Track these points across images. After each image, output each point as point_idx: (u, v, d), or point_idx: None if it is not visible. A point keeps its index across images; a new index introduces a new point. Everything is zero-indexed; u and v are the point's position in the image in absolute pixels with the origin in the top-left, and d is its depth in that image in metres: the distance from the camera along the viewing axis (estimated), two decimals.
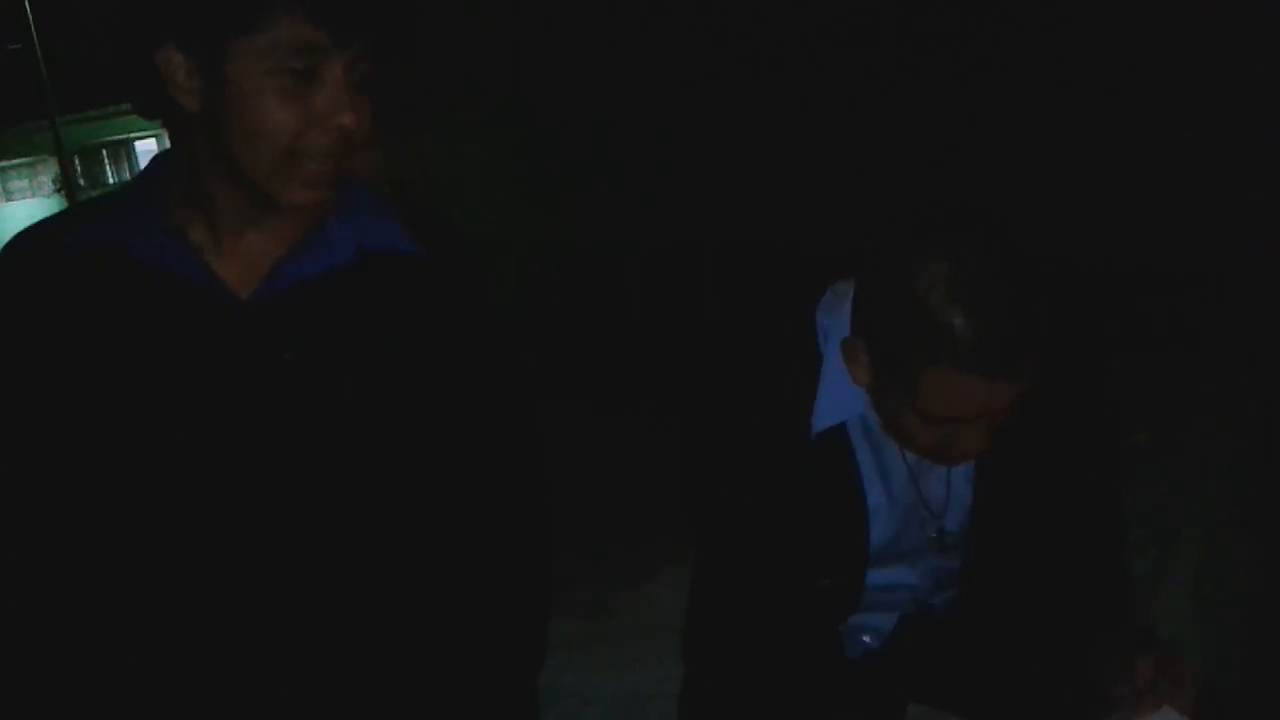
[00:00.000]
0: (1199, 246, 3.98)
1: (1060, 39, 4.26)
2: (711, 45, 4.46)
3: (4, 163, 23.65)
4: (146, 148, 21.19)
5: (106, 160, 23.19)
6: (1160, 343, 3.57)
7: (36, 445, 1.17)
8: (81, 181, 20.42)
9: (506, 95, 5.46)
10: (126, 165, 22.97)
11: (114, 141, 21.58)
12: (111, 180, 23.10)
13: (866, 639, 1.59)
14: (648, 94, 4.28)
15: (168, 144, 1.21)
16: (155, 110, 1.14)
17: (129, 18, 1.11)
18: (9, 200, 24.58)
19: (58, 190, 21.04)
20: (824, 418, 1.41)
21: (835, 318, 1.41)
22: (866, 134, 4.16)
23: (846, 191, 4.03)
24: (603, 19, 4.65)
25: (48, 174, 22.41)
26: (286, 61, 1.08)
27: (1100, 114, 4.16)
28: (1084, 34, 4.21)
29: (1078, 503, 1.53)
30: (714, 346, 1.53)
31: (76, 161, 20.71)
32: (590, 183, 3.92)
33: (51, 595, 1.20)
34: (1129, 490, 1.65)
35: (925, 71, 4.18)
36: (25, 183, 24.20)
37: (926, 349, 1.23)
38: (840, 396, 1.40)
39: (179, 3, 1.08)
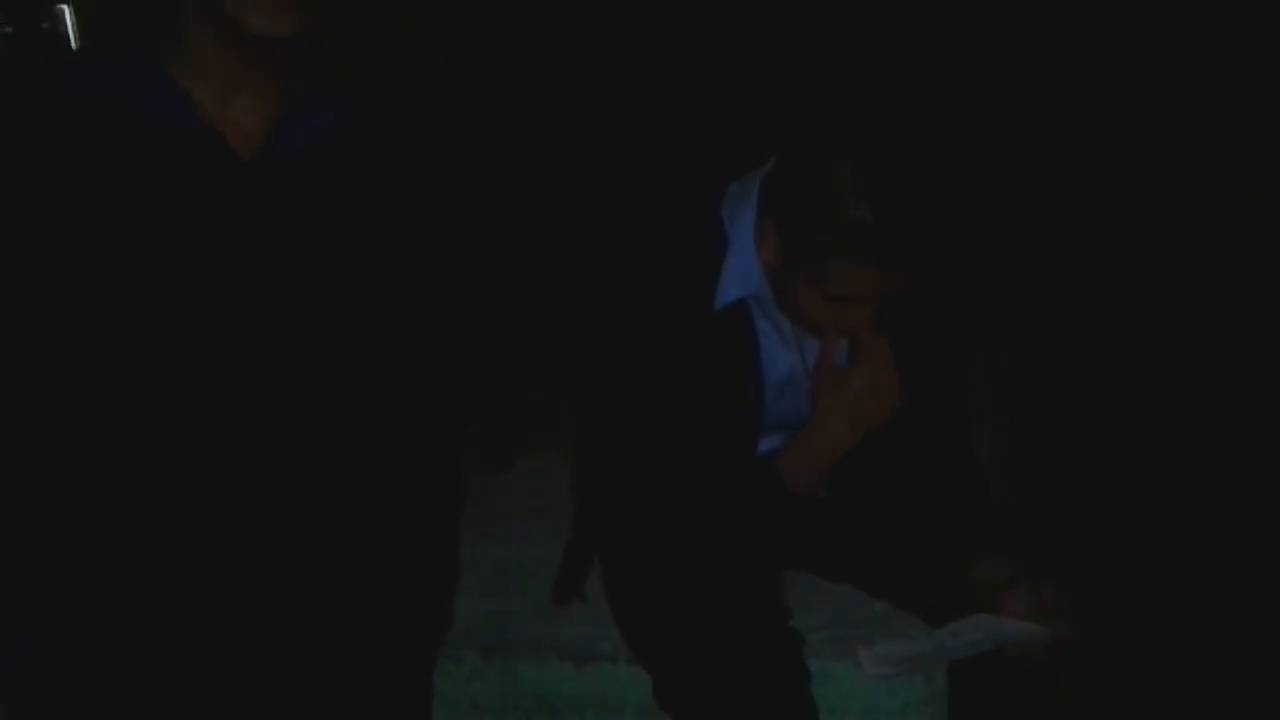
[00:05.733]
0: None
1: None
2: None
3: None
4: None
5: None
6: None
7: (40, 290, 1.19)
8: None
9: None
10: None
11: None
12: None
13: None
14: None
15: None
16: None
17: None
18: None
19: None
20: (727, 292, 1.53)
21: (740, 205, 1.53)
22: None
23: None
24: None
25: None
26: None
27: None
28: None
29: (930, 390, 1.68)
30: (624, 232, 1.62)
31: None
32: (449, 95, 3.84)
33: (49, 444, 1.23)
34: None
35: None
36: None
37: (836, 240, 1.38)
38: (743, 273, 1.52)
39: None
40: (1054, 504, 2.58)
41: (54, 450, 1.23)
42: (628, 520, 1.64)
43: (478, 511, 1.70)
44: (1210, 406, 3.22)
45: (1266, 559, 2.48)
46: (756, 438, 1.62)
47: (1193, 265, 3.59)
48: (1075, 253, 3.64)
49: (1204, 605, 2.32)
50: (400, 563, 1.41)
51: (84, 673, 1.23)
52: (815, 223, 1.39)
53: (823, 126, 1.45)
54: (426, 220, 1.38)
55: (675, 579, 1.55)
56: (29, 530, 1.23)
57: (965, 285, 1.72)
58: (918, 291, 1.46)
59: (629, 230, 1.62)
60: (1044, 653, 1.50)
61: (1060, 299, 3.45)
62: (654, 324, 1.53)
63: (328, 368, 1.30)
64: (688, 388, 1.53)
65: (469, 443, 1.54)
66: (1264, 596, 2.34)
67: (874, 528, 1.67)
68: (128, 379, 1.21)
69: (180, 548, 1.26)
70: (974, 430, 1.77)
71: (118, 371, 1.21)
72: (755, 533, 1.59)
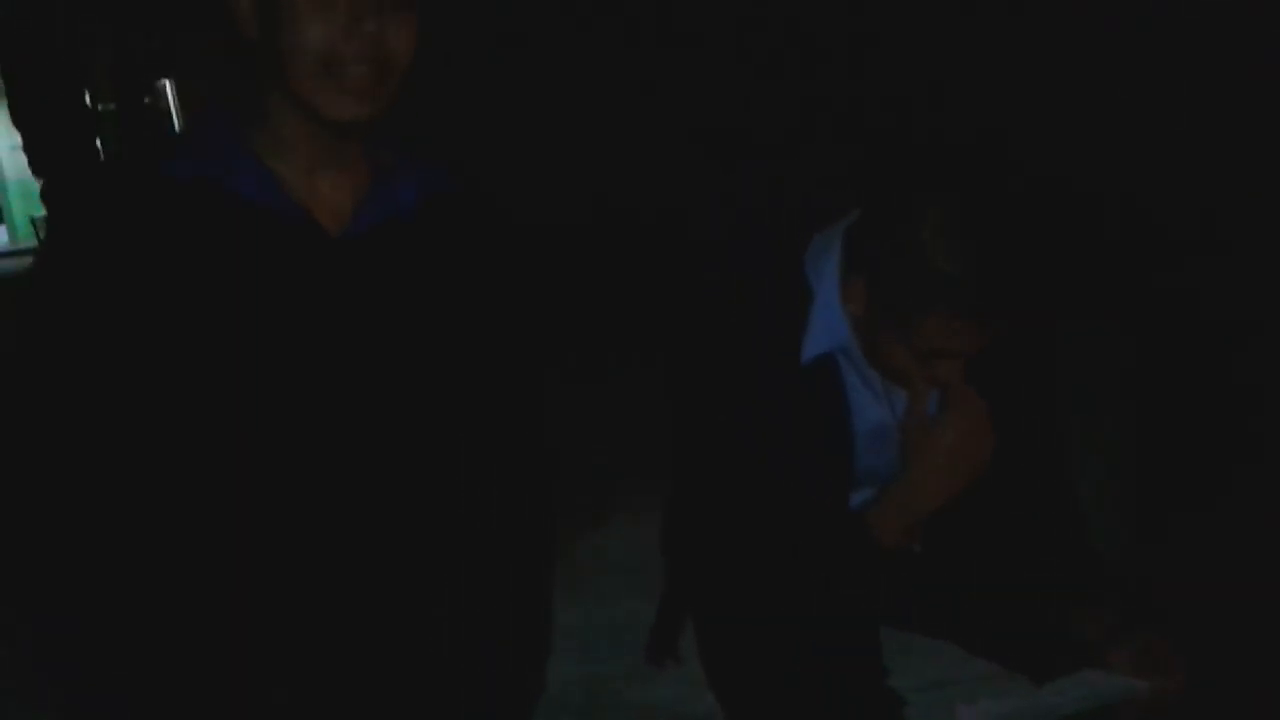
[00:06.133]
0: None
1: None
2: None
3: None
4: None
5: None
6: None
7: (137, 370, 1.20)
8: None
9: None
10: None
11: None
12: None
13: None
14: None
15: None
16: (229, 46, 1.23)
17: None
18: None
19: None
20: (814, 345, 1.51)
21: (823, 257, 1.52)
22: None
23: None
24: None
25: None
26: None
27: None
28: None
29: (1026, 437, 1.64)
30: (708, 287, 1.61)
31: None
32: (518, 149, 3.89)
33: (145, 519, 1.24)
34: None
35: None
36: None
37: (924, 294, 1.36)
38: (830, 326, 1.51)
39: None
40: (1160, 549, 2.50)
41: (148, 527, 1.24)
42: (720, 577, 1.63)
43: (569, 572, 1.70)
44: None
45: None
46: (847, 491, 1.60)
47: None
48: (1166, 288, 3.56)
49: None
50: (491, 626, 1.40)
51: None
52: (902, 277, 1.37)
53: (906, 177, 1.43)
54: (510, 286, 1.40)
55: (769, 638, 1.53)
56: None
57: (1060, 321, 1.69)
58: (1009, 338, 1.44)
59: (713, 285, 1.61)
60: (1154, 709, 1.45)
61: (1157, 334, 3.37)
62: (741, 379, 1.52)
63: (417, 436, 1.31)
64: (777, 442, 1.51)
65: (560, 502, 1.54)
66: None
67: (972, 581, 1.64)
68: (222, 454, 1.23)
69: (270, 621, 1.27)
70: (1074, 475, 1.72)
71: (212, 448, 1.23)
72: (849, 589, 1.56)
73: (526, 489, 1.45)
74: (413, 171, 1.33)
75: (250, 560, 1.25)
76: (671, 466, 1.74)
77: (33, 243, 13.55)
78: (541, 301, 1.46)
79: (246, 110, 1.27)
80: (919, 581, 1.66)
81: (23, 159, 8.48)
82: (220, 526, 1.24)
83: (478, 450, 1.37)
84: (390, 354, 1.28)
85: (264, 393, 1.22)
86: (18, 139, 8.18)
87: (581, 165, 3.93)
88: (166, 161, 1.24)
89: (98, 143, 8.09)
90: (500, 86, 3.97)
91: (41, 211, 9.32)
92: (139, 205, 1.21)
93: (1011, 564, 1.61)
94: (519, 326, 1.42)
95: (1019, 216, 1.37)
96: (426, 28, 1.23)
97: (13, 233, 15.92)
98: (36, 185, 8.23)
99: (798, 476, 1.52)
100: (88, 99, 8.45)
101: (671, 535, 1.75)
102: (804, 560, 1.52)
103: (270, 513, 1.25)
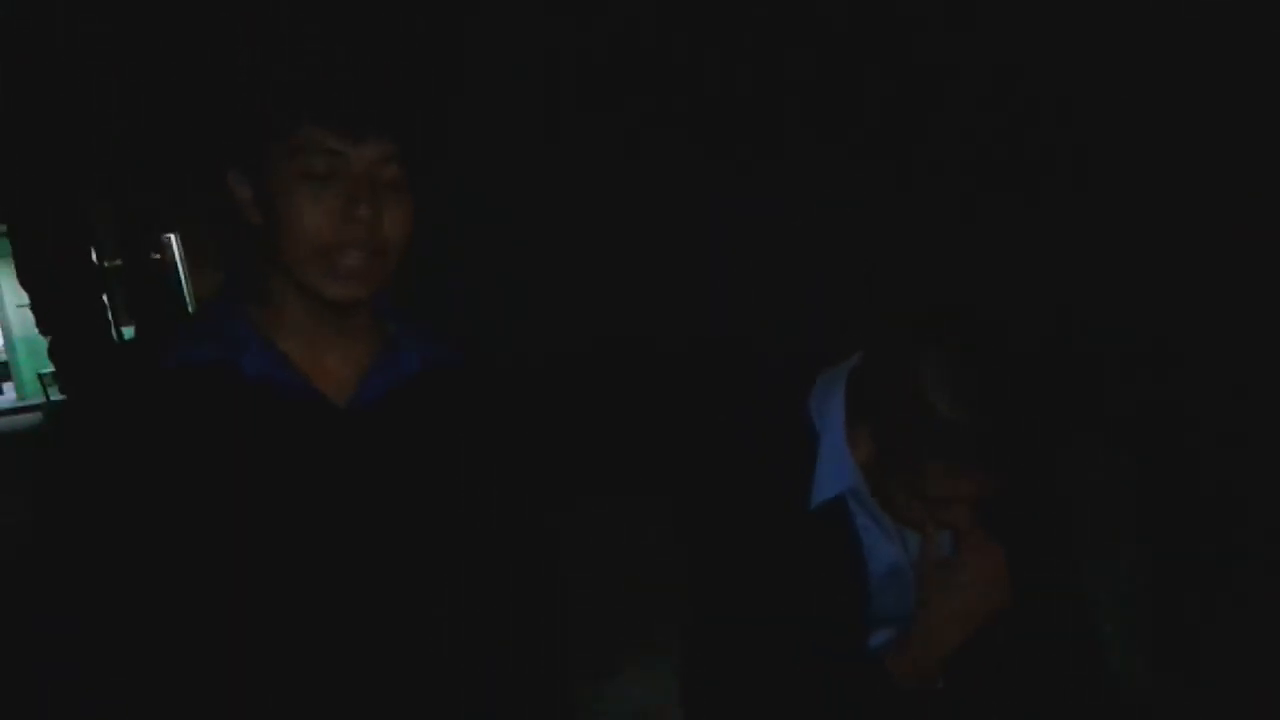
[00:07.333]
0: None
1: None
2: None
3: None
4: None
5: None
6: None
7: (147, 548, 1.22)
8: None
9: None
10: None
11: None
12: None
13: None
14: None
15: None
16: (241, 231, 1.27)
17: (203, 152, 1.28)
18: None
19: None
20: (823, 490, 1.51)
21: (828, 400, 1.52)
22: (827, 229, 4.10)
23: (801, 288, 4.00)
24: (554, 109, 4.59)
25: None
26: (310, 165, 1.20)
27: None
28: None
29: (1040, 573, 1.63)
30: (716, 435, 1.61)
31: None
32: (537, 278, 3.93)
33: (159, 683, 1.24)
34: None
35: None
36: None
37: (929, 444, 1.36)
38: (837, 470, 1.50)
39: (229, 128, 1.24)
40: (1186, 681, 2.45)
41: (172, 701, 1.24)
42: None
43: None
44: None
45: None
46: (864, 633, 1.58)
47: None
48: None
49: None
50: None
51: None
52: (906, 426, 1.37)
53: (905, 326, 1.43)
54: (515, 451, 1.42)
55: None
56: None
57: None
58: (1020, 478, 1.43)
59: (716, 431, 1.61)
60: None
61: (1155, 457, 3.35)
62: (749, 525, 1.52)
63: (424, 602, 1.31)
64: (790, 587, 1.50)
65: (571, 650, 1.52)
66: None
67: (995, 718, 1.61)
68: (230, 628, 1.23)
69: None
70: (1096, 608, 1.70)
71: (220, 622, 1.23)
72: None
73: (538, 646, 1.43)
74: (416, 341, 1.37)
75: None
76: (685, 614, 1.73)
77: (40, 399, 13.66)
78: (546, 461, 1.46)
79: (252, 289, 1.30)
80: (941, 719, 1.63)
81: (29, 316, 8.58)
82: (221, 697, 1.23)
83: (486, 613, 1.36)
84: (397, 521, 1.30)
85: (273, 564, 1.23)
86: (24, 296, 8.27)
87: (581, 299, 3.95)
88: (175, 346, 1.27)
89: (104, 299, 8.19)
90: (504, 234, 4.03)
91: (49, 368, 9.38)
92: (149, 391, 1.24)
93: (1034, 699, 1.58)
94: (525, 489, 1.43)
95: (1020, 365, 1.37)
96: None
97: (20, 389, 15.98)
98: (44, 342, 8.30)
99: (813, 621, 1.50)
100: (93, 255, 8.57)
101: (688, 683, 1.73)
102: (823, 705, 1.49)
103: (277, 681, 1.24)
